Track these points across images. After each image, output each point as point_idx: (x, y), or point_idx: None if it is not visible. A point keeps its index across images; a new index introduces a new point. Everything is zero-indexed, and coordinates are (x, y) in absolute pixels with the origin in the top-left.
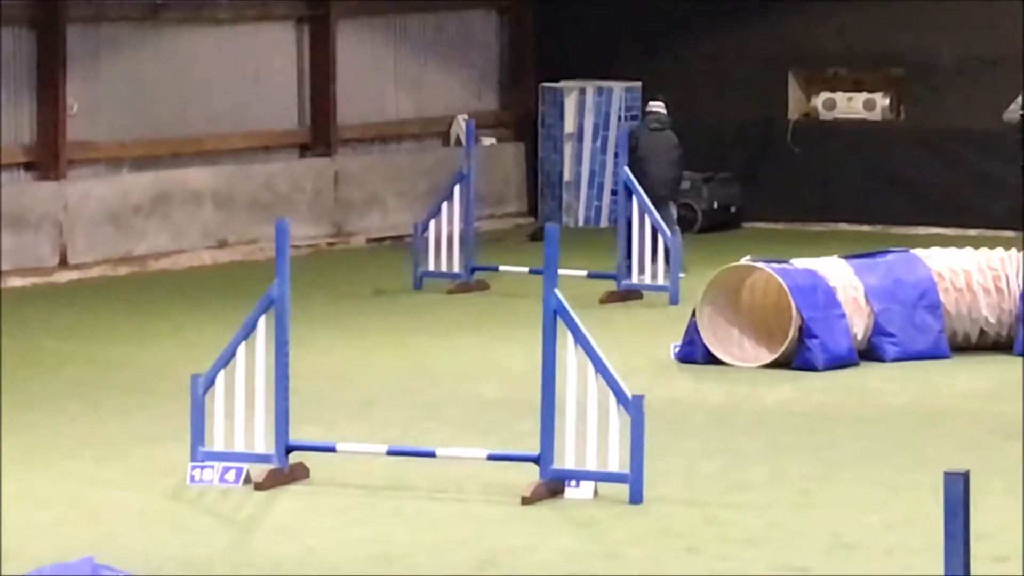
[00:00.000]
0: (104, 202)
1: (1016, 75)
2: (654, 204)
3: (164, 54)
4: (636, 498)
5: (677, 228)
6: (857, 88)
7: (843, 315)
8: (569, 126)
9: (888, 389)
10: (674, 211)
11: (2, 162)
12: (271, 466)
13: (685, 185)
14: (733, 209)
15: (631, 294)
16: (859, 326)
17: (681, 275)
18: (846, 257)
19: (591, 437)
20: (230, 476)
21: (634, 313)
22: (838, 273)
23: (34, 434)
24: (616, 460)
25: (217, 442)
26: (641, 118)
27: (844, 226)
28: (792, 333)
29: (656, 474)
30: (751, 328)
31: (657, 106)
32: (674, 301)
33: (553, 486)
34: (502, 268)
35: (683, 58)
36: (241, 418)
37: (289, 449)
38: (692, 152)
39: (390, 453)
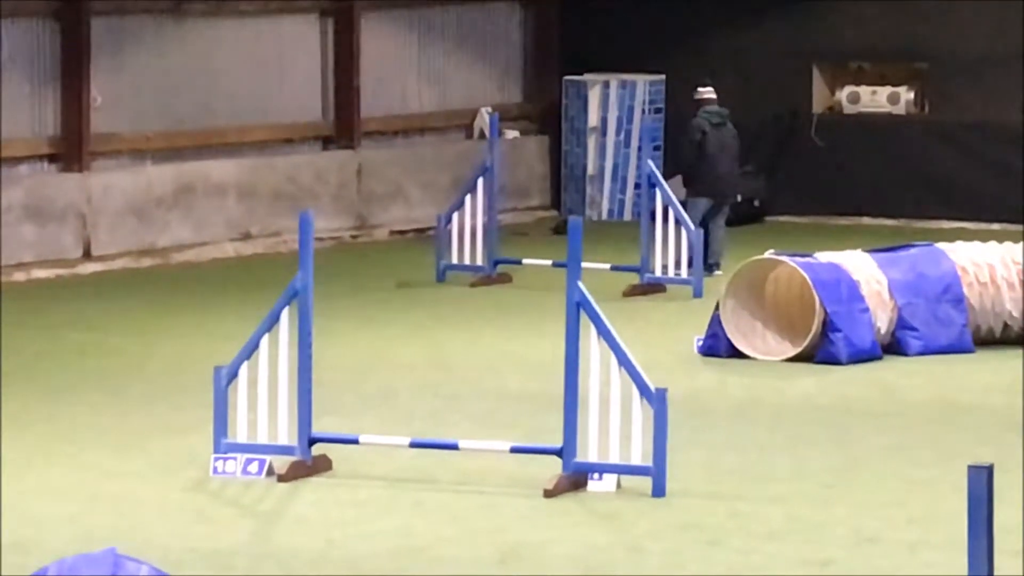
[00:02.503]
0: (127, 194)
1: None
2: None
3: (188, 47)
4: (659, 491)
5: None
6: (881, 82)
7: (867, 309)
8: (593, 119)
9: (911, 383)
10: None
11: (26, 154)
12: (294, 458)
13: None
14: (756, 203)
15: (654, 287)
16: (883, 320)
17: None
18: (870, 251)
19: (614, 430)
20: (253, 468)
21: (657, 306)
22: (862, 267)
23: (56, 425)
24: (639, 453)
25: (240, 434)
26: (664, 104)
27: (867, 220)
28: (815, 327)
29: (679, 467)
30: (774, 322)
31: (707, 92)
32: (697, 294)
33: (576, 479)
34: (525, 261)
35: (707, 51)
36: (264, 410)
37: (312, 441)
38: None
39: (413, 445)
